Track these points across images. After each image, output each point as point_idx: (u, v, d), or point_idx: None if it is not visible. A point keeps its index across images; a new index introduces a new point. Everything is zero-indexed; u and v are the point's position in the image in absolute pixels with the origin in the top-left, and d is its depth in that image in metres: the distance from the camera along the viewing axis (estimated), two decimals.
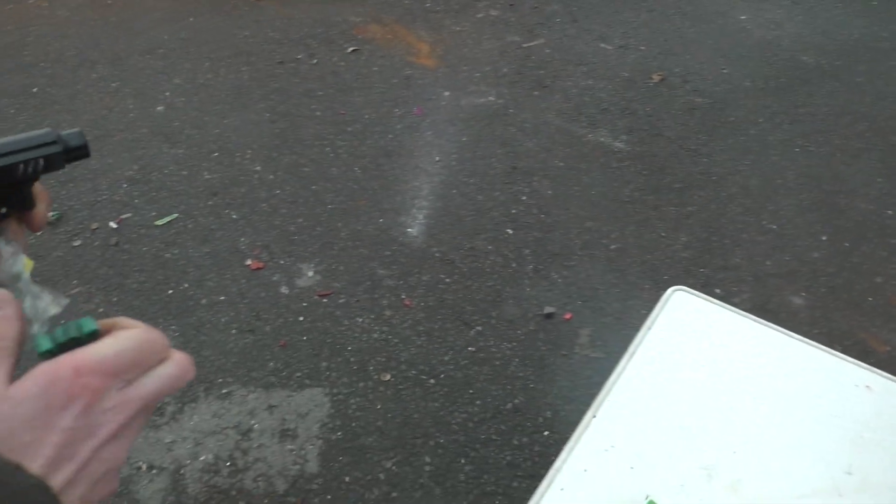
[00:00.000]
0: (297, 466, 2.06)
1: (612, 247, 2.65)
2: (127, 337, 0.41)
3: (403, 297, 2.52)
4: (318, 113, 3.37)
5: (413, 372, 2.28)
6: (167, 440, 2.14)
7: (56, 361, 0.38)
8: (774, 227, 2.69)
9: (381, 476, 2.02)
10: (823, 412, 0.97)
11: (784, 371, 1.03)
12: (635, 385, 1.03)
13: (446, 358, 2.32)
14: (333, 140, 3.21)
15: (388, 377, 2.27)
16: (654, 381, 1.03)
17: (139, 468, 2.07)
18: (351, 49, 3.81)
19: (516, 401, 2.19)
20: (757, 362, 1.04)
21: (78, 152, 0.50)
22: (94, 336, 0.41)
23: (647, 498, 0.87)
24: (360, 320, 2.45)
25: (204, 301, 2.54)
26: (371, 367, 2.30)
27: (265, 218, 2.87)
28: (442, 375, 2.27)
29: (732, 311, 1.12)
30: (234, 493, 2.02)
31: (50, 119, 3.33)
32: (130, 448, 0.43)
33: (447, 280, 2.57)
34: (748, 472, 0.91)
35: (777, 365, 1.03)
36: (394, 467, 2.04)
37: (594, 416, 1.00)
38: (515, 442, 2.08)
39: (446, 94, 3.46)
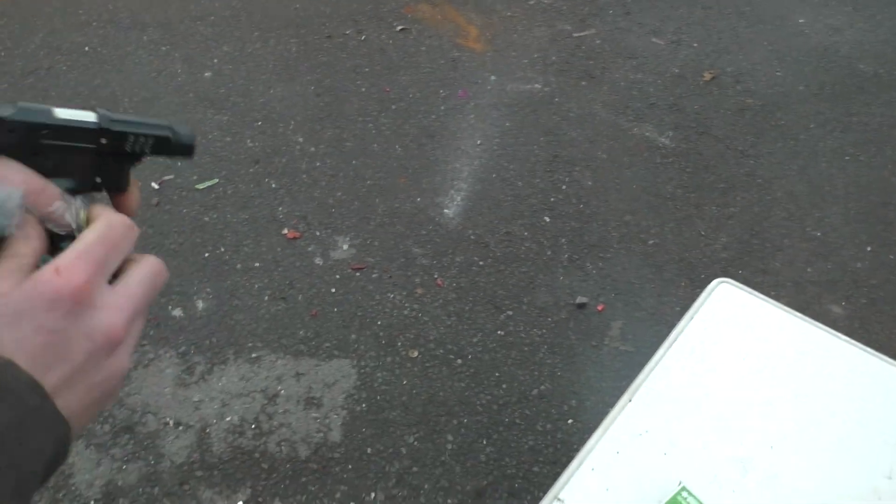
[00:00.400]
0: (321, 434, 2.08)
1: (650, 242, 2.62)
2: (93, 228, 0.42)
3: (436, 276, 2.52)
4: (363, 89, 3.37)
5: (441, 351, 2.28)
6: (195, 399, 2.17)
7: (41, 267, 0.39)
8: (818, 234, 2.63)
9: (403, 450, 2.03)
10: (867, 415, 0.95)
11: (828, 371, 1.00)
12: (674, 373, 1.02)
13: (475, 340, 2.31)
14: (377, 117, 3.21)
15: (415, 354, 2.27)
16: (693, 370, 1.01)
17: (166, 423, 2.11)
18: (400, 28, 3.80)
19: (542, 387, 2.18)
20: (801, 360, 1.02)
21: (185, 150, 0.52)
22: None
23: (679, 483, 0.86)
24: (392, 296, 2.45)
25: (239, 266, 2.56)
26: (399, 343, 2.31)
27: (304, 189, 2.88)
28: (469, 356, 2.26)
29: (778, 306, 1.10)
30: (257, 455, 2.04)
31: (100, 78, 3.37)
32: (132, 356, 0.42)
33: (481, 263, 2.56)
34: (785, 469, 0.89)
35: (821, 364, 1.01)
36: (416, 443, 2.05)
37: (630, 401, 0.99)
38: (539, 428, 2.08)
39: (492, 78, 3.44)
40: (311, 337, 2.34)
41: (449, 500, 1.94)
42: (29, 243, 0.41)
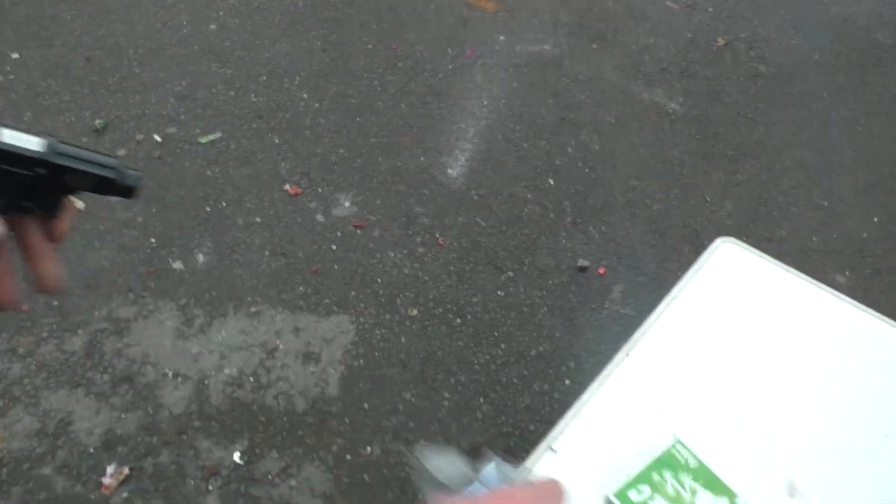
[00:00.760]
0: (318, 389, 2.09)
1: (655, 207, 2.59)
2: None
3: (438, 236, 2.50)
4: (369, 46, 3.31)
5: (440, 310, 2.28)
6: (194, 351, 2.18)
7: None
8: (825, 203, 2.60)
9: (400, 406, 2.04)
10: (867, 377, 0.94)
11: (829, 331, 0.99)
12: (673, 329, 1.00)
13: (475, 300, 2.31)
14: (383, 74, 3.16)
15: (415, 312, 2.27)
16: (693, 328, 1.00)
17: (165, 374, 2.12)
18: None
19: (541, 348, 2.18)
20: (801, 319, 1.00)
21: (126, 191, 0.51)
22: None
23: (674, 436, 0.86)
24: (393, 255, 2.44)
25: (240, 221, 2.55)
26: (399, 301, 2.30)
27: (307, 145, 2.85)
28: (469, 316, 2.26)
29: (780, 266, 1.08)
30: (255, 407, 2.05)
31: (105, 28, 3.32)
32: None
33: (483, 224, 2.55)
34: (780, 425, 0.88)
35: (824, 325, 1.00)
36: (413, 399, 2.05)
37: (627, 355, 0.98)
38: (536, 388, 2.08)
39: (502, 38, 3.38)
40: (311, 293, 2.33)
41: None
42: None
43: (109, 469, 1.91)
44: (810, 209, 2.58)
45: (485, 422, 2.01)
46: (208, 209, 2.58)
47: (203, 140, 2.85)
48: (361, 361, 2.15)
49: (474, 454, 0.63)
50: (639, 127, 2.94)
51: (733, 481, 0.82)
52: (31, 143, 0.45)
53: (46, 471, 1.91)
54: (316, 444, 1.97)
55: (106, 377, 2.10)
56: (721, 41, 3.40)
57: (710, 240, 2.52)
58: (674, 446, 0.85)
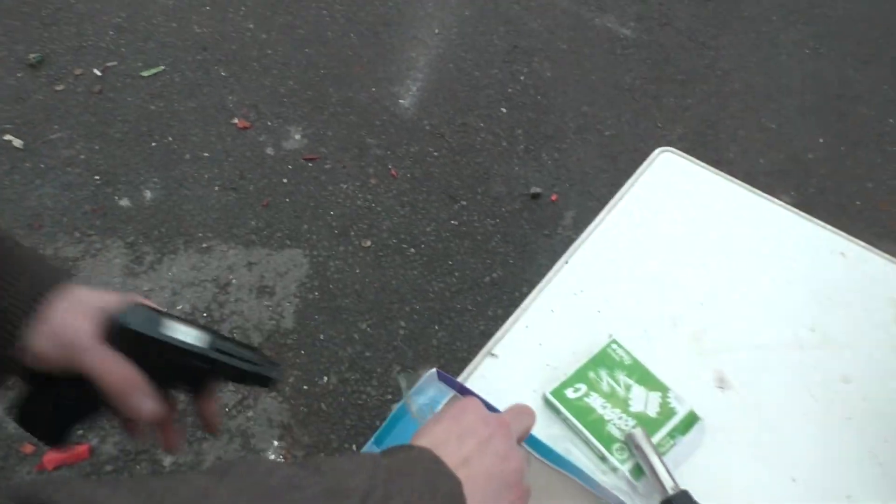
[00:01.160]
0: (273, 322, 2.08)
1: (607, 133, 2.60)
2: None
3: (390, 167, 2.48)
4: None
5: (394, 240, 2.28)
6: (145, 288, 2.15)
7: None
8: (773, 125, 2.64)
9: (356, 336, 2.05)
10: (795, 274, 0.96)
11: (762, 234, 1.01)
12: (612, 236, 1.02)
13: (428, 229, 2.31)
14: (331, 3, 3.07)
15: (368, 243, 2.26)
16: (632, 234, 1.01)
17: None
18: None
19: (494, 275, 2.20)
20: (736, 223, 1.02)
21: (264, 382, 0.59)
22: None
23: (609, 336, 0.88)
24: (345, 186, 2.42)
25: (188, 156, 2.49)
26: (352, 233, 2.29)
27: (255, 77, 2.78)
28: (423, 245, 2.26)
29: (718, 174, 1.10)
30: None
31: None
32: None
33: (435, 154, 2.53)
34: (713, 322, 0.91)
35: (756, 227, 1.02)
36: (368, 329, 2.06)
37: (566, 263, 0.99)
38: (490, 313, 2.10)
39: None
40: (263, 227, 2.30)
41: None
42: None
43: None
44: (758, 131, 2.61)
45: (440, 348, 2.04)
46: (154, 144, 2.52)
47: (145, 73, 2.76)
48: (316, 294, 2.15)
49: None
50: (591, 53, 2.92)
51: (666, 376, 0.84)
52: (193, 336, 0.54)
53: None
54: None
55: None
56: None
57: None
58: (609, 345, 0.87)
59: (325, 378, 1.97)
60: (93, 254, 2.20)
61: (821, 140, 2.58)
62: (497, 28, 3.02)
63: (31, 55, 2.70)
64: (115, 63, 2.76)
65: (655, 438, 0.79)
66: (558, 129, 2.61)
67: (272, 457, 1.83)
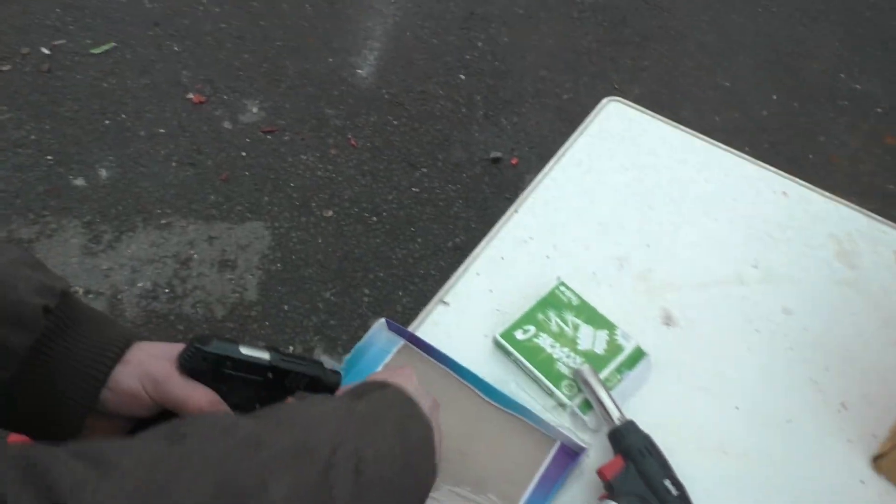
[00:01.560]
0: (236, 295, 2.07)
1: (565, 96, 2.61)
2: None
3: (350, 136, 2.47)
4: None
5: (356, 209, 2.27)
6: (104, 267, 2.12)
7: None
8: (727, 83, 2.67)
9: (320, 305, 2.05)
10: (738, 213, 0.99)
11: (706, 176, 1.03)
12: (560, 184, 1.03)
13: (390, 197, 2.31)
14: None
15: (330, 213, 2.26)
16: (580, 182, 1.03)
17: (75, 291, 2.06)
18: None
19: (457, 240, 2.21)
20: (682, 168, 1.04)
21: (330, 388, 0.65)
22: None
23: (557, 278, 0.89)
24: (305, 158, 2.40)
25: (143, 133, 2.45)
26: (314, 204, 2.28)
27: (209, 52, 2.73)
28: (385, 213, 2.26)
29: (664, 121, 1.11)
30: (172, 317, 2.03)
31: None
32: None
33: (395, 122, 2.52)
34: (659, 263, 0.93)
35: (700, 171, 1.04)
36: (332, 297, 2.06)
37: (516, 211, 1.00)
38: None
39: None
40: (223, 201, 2.28)
41: None
42: None
43: None
44: (712, 90, 2.65)
45: (405, 314, 2.05)
46: (107, 122, 2.47)
47: (96, 51, 2.70)
48: (279, 265, 2.14)
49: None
50: (547, 17, 2.92)
51: (614, 316, 0.86)
52: (263, 354, 0.59)
53: None
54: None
55: None
56: None
57: None
58: (557, 287, 0.88)
59: (291, 348, 1.97)
60: (48, 234, 2.16)
61: (774, 96, 2.62)
62: None
63: None
64: (63, 41, 2.70)
65: (603, 374, 0.81)
66: (517, 94, 2.62)
67: None
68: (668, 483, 0.69)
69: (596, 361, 0.82)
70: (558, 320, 0.86)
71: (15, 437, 1.72)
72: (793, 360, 0.85)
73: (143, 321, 2.02)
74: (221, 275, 2.11)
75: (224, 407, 0.57)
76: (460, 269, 0.94)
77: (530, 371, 0.81)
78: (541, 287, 0.89)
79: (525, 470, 0.75)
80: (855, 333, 0.86)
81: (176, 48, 2.73)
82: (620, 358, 0.83)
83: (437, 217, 2.26)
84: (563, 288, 0.88)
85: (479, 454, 0.75)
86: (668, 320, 0.88)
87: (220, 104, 2.55)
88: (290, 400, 0.63)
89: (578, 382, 0.79)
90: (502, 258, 0.94)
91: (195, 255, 2.15)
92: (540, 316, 0.86)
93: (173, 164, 2.37)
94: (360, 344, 0.84)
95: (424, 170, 2.38)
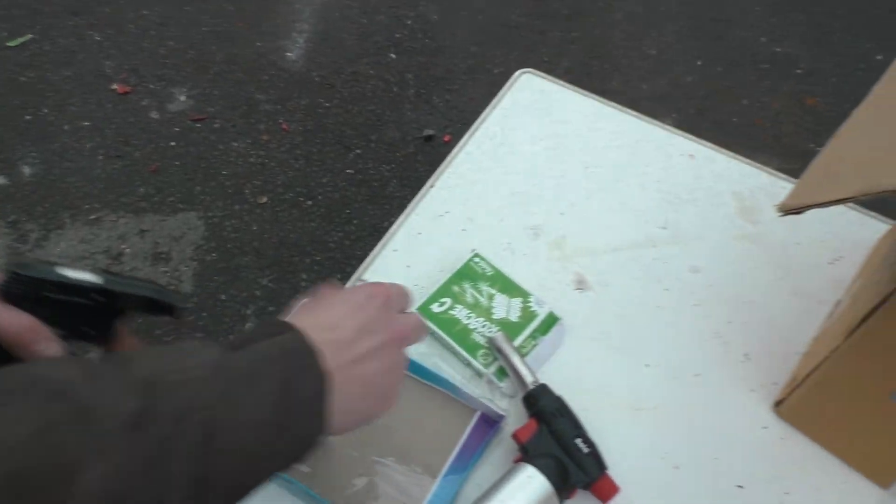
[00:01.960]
0: (172, 287, 2.04)
1: (496, 71, 2.62)
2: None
3: (281, 121, 2.44)
4: None
5: (290, 194, 2.25)
6: None
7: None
8: (654, 52, 2.71)
9: (258, 292, 2.04)
10: (649, 178, 1.01)
11: (618, 143, 1.06)
12: (475, 158, 1.04)
13: (324, 180, 2.29)
14: None
15: (264, 200, 2.24)
16: (494, 154, 1.04)
17: None
18: None
19: (393, 219, 2.19)
20: (594, 136, 1.06)
21: (168, 310, 0.60)
22: None
23: (472, 251, 0.90)
24: (236, 145, 2.37)
25: (66, 127, 2.38)
26: (247, 191, 2.26)
27: (133, 40, 2.66)
28: (320, 197, 2.25)
29: (575, 90, 1.13)
30: None
31: None
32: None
33: (327, 104, 2.50)
34: (573, 230, 0.95)
35: (612, 138, 1.06)
36: (270, 284, 2.05)
37: (431, 187, 1.01)
38: None
39: None
40: (153, 193, 2.24)
41: None
42: None
43: None
44: (640, 59, 2.69)
45: None
46: (28, 118, 2.40)
47: (12, 43, 2.61)
48: (214, 255, 2.12)
49: None
50: None
51: (528, 284, 0.88)
52: (85, 276, 0.54)
53: None
54: (175, 341, 1.95)
55: None
56: None
57: None
58: (471, 259, 0.90)
59: (231, 337, 1.96)
60: None
61: (699, 63, 2.68)
62: None
63: None
64: None
65: (517, 341, 0.83)
66: (448, 71, 2.62)
67: None
68: (579, 441, 0.71)
69: (511, 329, 0.84)
70: (473, 291, 0.87)
71: None
72: (698, 315, 0.88)
73: None
74: (155, 268, 2.08)
75: (45, 332, 0.53)
76: (377, 247, 0.94)
77: (447, 343, 0.83)
78: (457, 260, 0.90)
79: (447, 440, 0.76)
80: (755, 286, 0.90)
81: (97, 37, 2.66)
82: (534, 324, 0.85)
83: (372, 198, 2.26)
84: (477, 259, 0.90)
85: (403, 427, 0.77)
86: (582, 285, 0.90)
87: (147, 94, 2.49)
88: (131, 342, 0.59)
89: (493, 350, 0.81)
90: (419, 234, 0.95)
91: (127, 250, 2.12)
92: (455, 288, 0.87)
93: (100, 157, 2.31)
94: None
95: (358, 151, 2.37)
